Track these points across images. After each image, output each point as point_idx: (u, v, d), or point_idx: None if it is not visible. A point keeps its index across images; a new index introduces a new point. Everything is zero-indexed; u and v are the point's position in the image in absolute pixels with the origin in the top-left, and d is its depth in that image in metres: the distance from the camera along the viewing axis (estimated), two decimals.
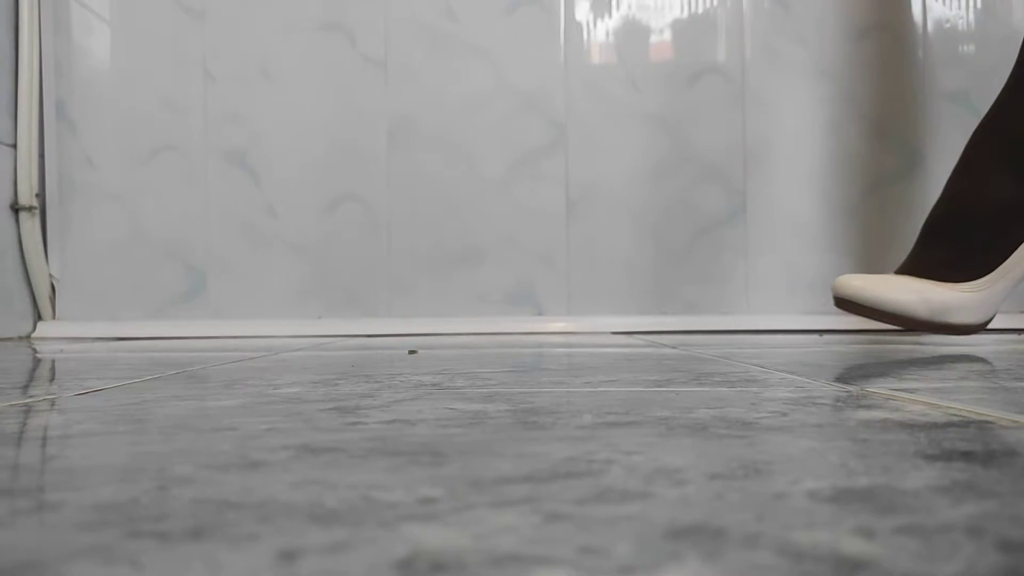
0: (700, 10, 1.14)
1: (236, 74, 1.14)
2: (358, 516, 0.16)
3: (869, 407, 0.30)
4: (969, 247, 0.73)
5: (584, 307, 1.13)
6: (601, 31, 1.14)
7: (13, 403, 0.35)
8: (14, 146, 1.11)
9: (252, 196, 1.14)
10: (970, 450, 0.21)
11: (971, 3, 1.14)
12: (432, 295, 1.13)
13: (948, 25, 1.14)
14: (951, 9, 1.14)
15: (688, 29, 1.14)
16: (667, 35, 1.14)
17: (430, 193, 1.13)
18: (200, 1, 1.13)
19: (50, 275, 1.13)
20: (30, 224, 1.11)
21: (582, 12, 1.14)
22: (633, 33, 1.14)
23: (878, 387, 0.37)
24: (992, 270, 0.72)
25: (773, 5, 1.13)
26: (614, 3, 1.14)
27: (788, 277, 1.14)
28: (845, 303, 0.75)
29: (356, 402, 0.34)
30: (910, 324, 0.73)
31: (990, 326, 1.09)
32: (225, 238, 1.14)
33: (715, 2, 1.14)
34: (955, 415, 0.28)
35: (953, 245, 0.73)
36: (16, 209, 1.10)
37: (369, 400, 0.34)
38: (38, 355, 0.73)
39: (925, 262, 0.74)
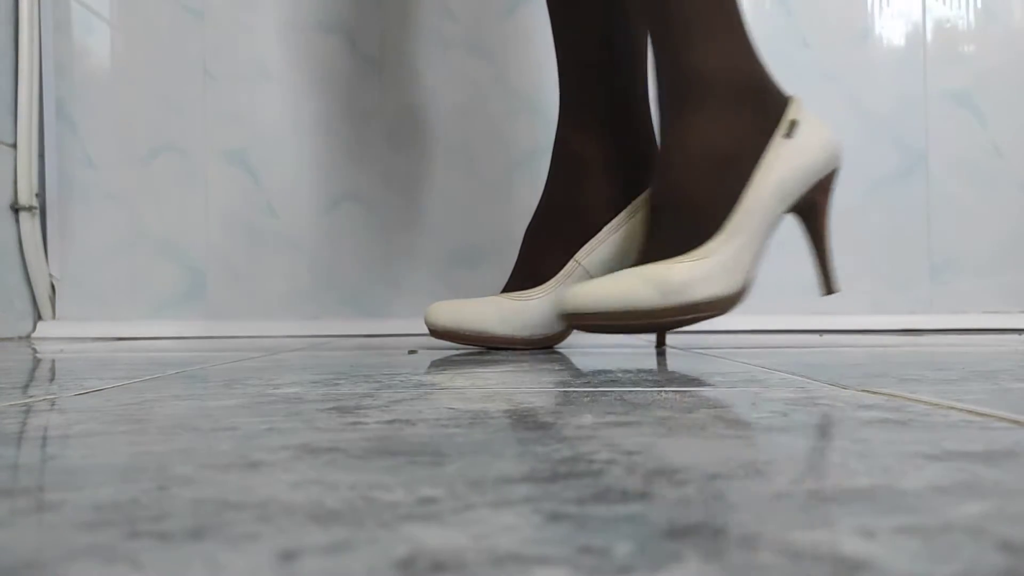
0: None
1: (236, 73, 1.14)
2: (358, 516, 0.16)
3: (869, 407, 0.30)
4: (684, 219, 0.62)
5: None
6: None
7: (13, 403, 0.35)
8: (14, 146, 1.11)
9: (252, 196, 1.14)
10: (970, 450, 0.21)
11: (971, 3, 1.14)
12: (432, 295, 1.13)
13: (948, 25, 1.14)
14: (951, 9, 1.14)
15: None
16: None
17: (430, 192, 1.13)
18: (200, 0, 1.13)
19: (50, 275, 1.13)
20: (30, 224, 1.11)
21: None
22: None
23: (878, 387, 0.37)
24: (720, 228, 0.61)
25: (774, 6, 1.13)
26: None
27: (788, 277, 1.14)
28: (576, 317, 0.61)
29: (356, 402, 0.34)
30: (645, 318, 0.59)
31: (985, 326, 1.08)
32: (225, 238, 1.14)
33: None
34: (955, 415, 0.28)
35: (667, 226, 0.62)
36: (16, 209, 1.10)
37: (369, 400, 0.34)
38: (38, 355, 0.73)
39: (646, 250, 0.63)
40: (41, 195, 1.13)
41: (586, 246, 0.73)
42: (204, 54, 1.13)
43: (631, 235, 0.73)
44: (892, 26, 1.14)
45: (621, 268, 0.74)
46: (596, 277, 0.72)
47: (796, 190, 0.64)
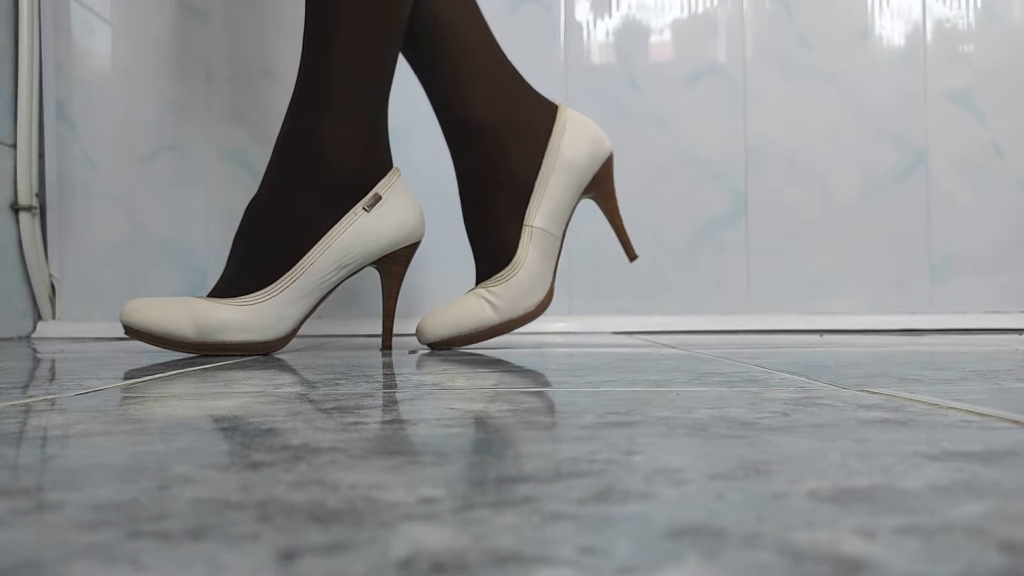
0: (700, 10, 1.14)
1: (236, 73, 1.14)
2: (358, 516, 0.16)
3: (869, 407, 0.30)
4: (250, 262, 0.70)
5: (584, 307, 1.13)
6: (601, 31, 1.14)
7: (13, 403, 0.35)
8: (14, 146, 1.11)
9: (252, 196, 1.14)
10: (970, 450, 0.21)
11: (971, 3, 1.14)
12: (434, 295, 1.13)
13: (948, 25, 1.14)
14: (951, 9, 1.14)
15: (688, 29, 1.14)
16: (667, 35, 1.14)
17: (429, 192, 1.13)
18: (202, 0, 1.13)
19: (50, 275, 1.13)
20: (30, 224, 1.11)
21: (582, 12, 1.14)
22: (633, 33, 1.14)
23: (878, 387, 0.37)
24: (271, 282, 0.68)
25: (774, 6, 1.13)
26: (614, 3, 1.14)
27: (789, 277, 1.14)
28: (131, 331, 0.69)
29: (356, 402, 0.34)
30: (182, 347, 0.67)
31: (985, 326, 1.09)
32: (225, 238, 1.14)
33: (715, 2, 1.14)
34: (955, 415, 0.28)
35: (239, 262, 0.70)
36: (16, 209, 1.10)
37: (369, 400, 0.34)
38: (38, 355, 0.73)
39: (221, 283, 0.70)
40: (41, 195, 1.13)
41: (529, 209, 0.75)
42: (204, 54, 1.13)
43: (560, 181, 0.75)
44: (892, 26, 1.14)
45: (568, 213, 0.77)
46: (552, 233, 0.75)
47: (358, 261, 0.71)
